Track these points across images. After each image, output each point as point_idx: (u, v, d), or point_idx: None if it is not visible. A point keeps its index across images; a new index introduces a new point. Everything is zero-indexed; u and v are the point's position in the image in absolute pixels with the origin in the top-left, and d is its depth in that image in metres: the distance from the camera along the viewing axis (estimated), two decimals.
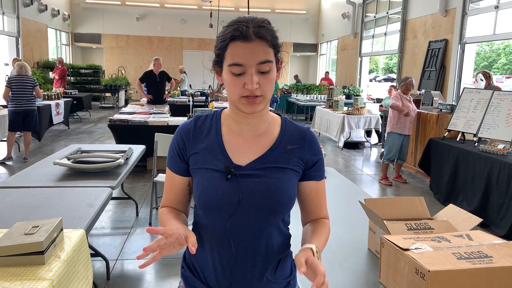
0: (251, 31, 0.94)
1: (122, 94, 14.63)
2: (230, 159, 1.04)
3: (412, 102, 5.70)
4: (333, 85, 12.98)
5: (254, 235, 1.04)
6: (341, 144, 8.15)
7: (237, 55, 0.95)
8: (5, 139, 6.37)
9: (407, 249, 1.36)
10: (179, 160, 1.08)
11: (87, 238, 1.91)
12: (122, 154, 3.23)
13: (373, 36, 12.54)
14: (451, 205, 1.80)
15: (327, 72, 14.92)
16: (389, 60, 32.39)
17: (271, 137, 1.08)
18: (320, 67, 17.64)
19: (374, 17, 12.40)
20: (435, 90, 8.05)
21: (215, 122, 1.09)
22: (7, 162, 6.09)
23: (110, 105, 14.36)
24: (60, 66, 11.15)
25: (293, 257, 1.20)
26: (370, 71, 24.07)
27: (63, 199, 2.29)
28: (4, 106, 6.55)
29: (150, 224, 3.98)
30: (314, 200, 1.13)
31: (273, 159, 1.05)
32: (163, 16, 16.38)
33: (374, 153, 8.18)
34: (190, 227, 1.09)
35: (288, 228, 1.15)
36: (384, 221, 1.62)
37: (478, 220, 1.64)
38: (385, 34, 11.74)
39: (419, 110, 6.22)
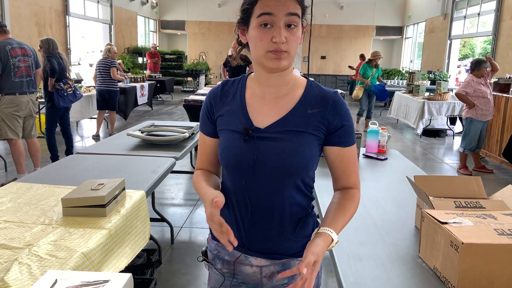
0: None
1: (202, 79, 15.25)
2: (250, 121, 1.08)
3: (489, 85, 5.19)
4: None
5: (269, 195, 1.08)
6: (419, 131, 7.73)
7: (267, 6, 0.99)
8: (95, 117, 7.07)
9: (446, 223, 1.31)
10: (208, 122, 1.15)
11: (146, 199, 2.09)
12: (189, 129, 3.42)
13: (464, 17, 11.58)
14: (510, 186, 1.67)
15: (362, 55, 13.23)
16: (487, 44, 29.63)
17: (292, 100, 1.09)
18: (405, 51, 16.74)
19: None
20: None
21: (240, 86, 1.14)
22: (94, 139, 6.79)
23: (191, 89, 15.05)
24: (154, 52, 12.13)
25: (316, 219, 1.23)
26: (465, 57, 22.16)
27: (131, 165, 2.52)
28: (94, 87, 7.25)
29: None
30: (340, 166, 1.13)
31: (292, 122, 1.07)
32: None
33: (457, 142, 7.64)
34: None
35: (311, 191, 1.17)
36: (432, 198, 1.56)
37: None
38: (479, 14, 10.77)
39: (508, 95, 5.68)
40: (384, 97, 8.60)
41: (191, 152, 4.63)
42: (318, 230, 1.02)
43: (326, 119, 1.08)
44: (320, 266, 1.23)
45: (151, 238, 2.75)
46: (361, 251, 1.51)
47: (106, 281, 1.12)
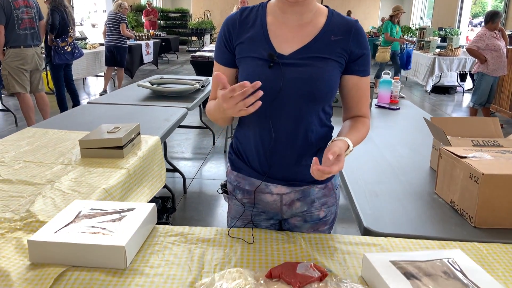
0: None
1: (207, 38, 14.96)
2: (273, 47, 1.06)
3: (502, 39, 5.06)
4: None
5: (293, 121, 1.08)
6: (428, 88, 7.63)
7: None
8: (102, 74, 7.02)
9: (465, 157, 1.31)
10: (226, 51, 1.12)
11: (161, 146, 2.10)
12: (199, 82, 3.40)
13: None
14: None
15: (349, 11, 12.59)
16: (499, 2, 28.66)
17: (315, 27, 1.07)
18: (416, 9, 16.26)
19: None
20: None
21: (260, 13, 1.11)
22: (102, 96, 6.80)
23: (196, 48, 14.82)
24: (150, 9, 11.71)
25: None
26: (475, 15, 21.48)
27: (144, 114, 2.52)
28: (102, 44, 7.16)
29: (224, 152, 4.21)
30: (355, 96, 1.13)
31: (316, 49, 1.06)
32: None
33: (467, 99, 7.55)
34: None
35: (330, 120, 1.17)
36: (449, 137, 1.56)
37: None
38: None
39: None
40: (408, 65, 7.89)
41: (200, 107, 4.62)
42: (333, 140, 1.03)
43: (348, 47, 1.07)
44: (338, 185, 1.25)
45: (165, 186, 2.80)
46: (377, 188, 1.52)
47: (131, 209, 1.15)
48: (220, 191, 1.28)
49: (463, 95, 7.88)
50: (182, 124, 2.77)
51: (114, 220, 1.08)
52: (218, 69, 1.15)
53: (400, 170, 1.71)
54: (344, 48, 1.07)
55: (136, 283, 0.93)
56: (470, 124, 1.72)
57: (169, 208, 2.53)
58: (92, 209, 1.14)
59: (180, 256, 1.05)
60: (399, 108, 2.90)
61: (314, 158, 0.93)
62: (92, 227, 1.05)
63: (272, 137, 1.09)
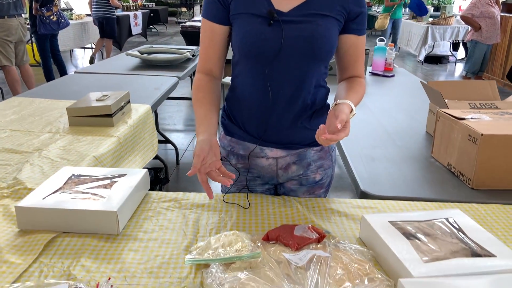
0: None
1: (197, 9, 14.63)
2: (272, 4, 1.01)
3: (496, 5, 4.98)
4: None
5: (292, 82, 1.04)
6: (421, 57, 7.58)
7: None
8: (89, 46, 6.85)
9: (463, 118, 1.28)
10: (220, 7, 1.04)
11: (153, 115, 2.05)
12: (190, 50, 3.31)
13: None
14: None
15: None
16: None
17: None
18: None
19: None
20: None
21: None
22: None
23: (185, 20, 14.51)
24: None
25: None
26: None
27: (133, 83, 2.45)
28: (88, 15, 6.94)
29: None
30: (353, 55, 1.09)
31: (316, 5, 1.01)
32: None
33: (460, 68, 7.52)
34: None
35: (326, 82, 1.13)
36: (446, 100, 1.53)
37: None
38: None
39: None
40: (423, 11, 7.59)
41: (191, 77, 4.53)
42: (335, 103, 0.99)
43: (347, 4, 1.02)
44: (334, 155, 1.22)
45: (158, 157, 2.76)
46: (373, 153, 1.50)
47: (123, 175, 1.11)
48: None
49: (455, 64, 7.84)
50: (173, 95, 2.71)
51: (105, 186, 1.05)
52: (211, 28, 1.07)
53: (396, 135, 1.69)
54: (343, 6, 1.02)
55: (130, 247, 0.91)
56: (467, 87, 1.69)
57: (162, 178, 2.50)
58: (82, 175, 1.11)
59: (174, 221, 1.02)
60: (393, 76, 2.86)
61: (321, 125, 0.88)
62: (83, 192, 1.01)
63: (269, 100, 1.05)
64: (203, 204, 1.10)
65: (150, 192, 1.16)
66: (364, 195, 1.21)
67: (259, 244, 0.87)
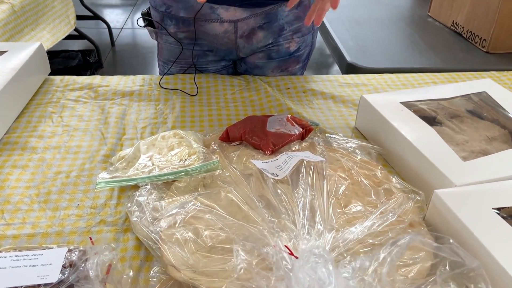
0: None
1: None
2: None
3: None
4: None
5: None
6: None
7: None
8: None
9: None
10: None
11: None
12: None
13: None
14: None
15: None
16: None
17: None
18: None
19: None
20: None
21: None
22: None
23: None
24: None
25: None
26: None
27: None
28: None
29: None
30: None
31: None
32: None
33: None
34: None
35: None
36: None
37: None
38: None
39: None
40: None
41: None
42: None
43: None
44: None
45: (86, 37, 2.28)
46: (357, 15, 1.17)
47: (2, 52, 0.73)
48: (141, 22, 0.86)
49: None
50: None
51: None
52: None
53: None
54: None
55: (14, 163, 0.58)
56: None
57: (92, 63, 2.07)
58: None
59: (87, 119, 0.69)
60: None
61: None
62: None
63: None
64: (131, 92, 0.77)
65: (52, 77, 0.80)
66: (352, 68, 0.91)
67: (215, 148, 0.57)
